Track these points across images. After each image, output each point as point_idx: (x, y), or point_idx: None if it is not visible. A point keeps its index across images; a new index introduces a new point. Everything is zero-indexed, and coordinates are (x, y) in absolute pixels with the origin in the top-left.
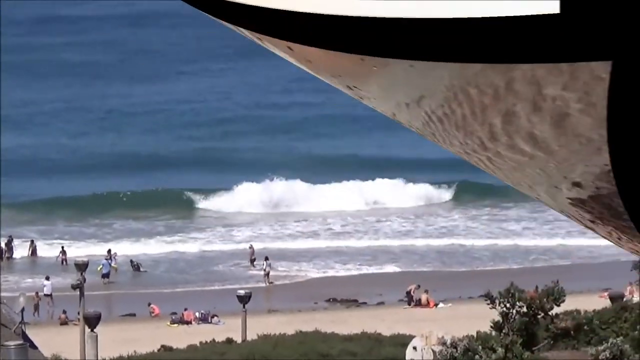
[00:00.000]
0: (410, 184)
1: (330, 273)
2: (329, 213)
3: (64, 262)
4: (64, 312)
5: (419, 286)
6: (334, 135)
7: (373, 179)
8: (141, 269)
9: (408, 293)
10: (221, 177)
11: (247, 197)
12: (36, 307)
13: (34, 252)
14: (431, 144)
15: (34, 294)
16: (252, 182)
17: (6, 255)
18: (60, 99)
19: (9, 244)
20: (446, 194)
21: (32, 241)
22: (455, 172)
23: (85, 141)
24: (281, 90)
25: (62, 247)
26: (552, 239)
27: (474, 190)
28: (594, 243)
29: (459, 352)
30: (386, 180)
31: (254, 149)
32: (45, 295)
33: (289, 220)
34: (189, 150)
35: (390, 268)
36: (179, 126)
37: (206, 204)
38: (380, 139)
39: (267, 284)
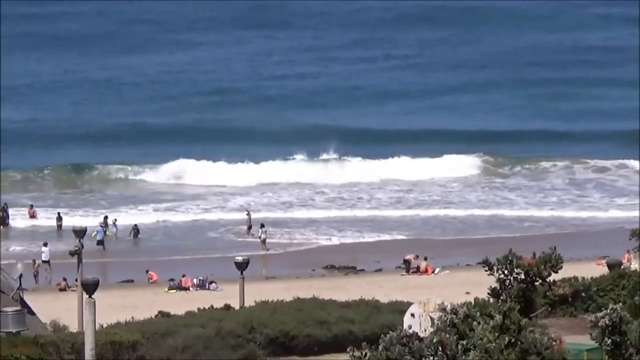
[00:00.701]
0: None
1: (327, 241)
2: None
3: (60, 228)
4: (64, 279)
5: (417, 256)
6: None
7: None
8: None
9: (406, 262)
10: (217, 148)
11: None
12: (35, 275)
13: (33, 215)
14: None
15: (31, 260)
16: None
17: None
18: (57, 69)
19: (4, 210)
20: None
21: (32, 205)
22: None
23: (82, 110)
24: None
25: (59, 214)
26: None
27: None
28: (589, 214)
29: (458, 318)
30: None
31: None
32: (43, 261)
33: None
34: (189, 120)
35: (387, 236)
36: (178, 96)
37: (199, 176)
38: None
39: (265, 251)
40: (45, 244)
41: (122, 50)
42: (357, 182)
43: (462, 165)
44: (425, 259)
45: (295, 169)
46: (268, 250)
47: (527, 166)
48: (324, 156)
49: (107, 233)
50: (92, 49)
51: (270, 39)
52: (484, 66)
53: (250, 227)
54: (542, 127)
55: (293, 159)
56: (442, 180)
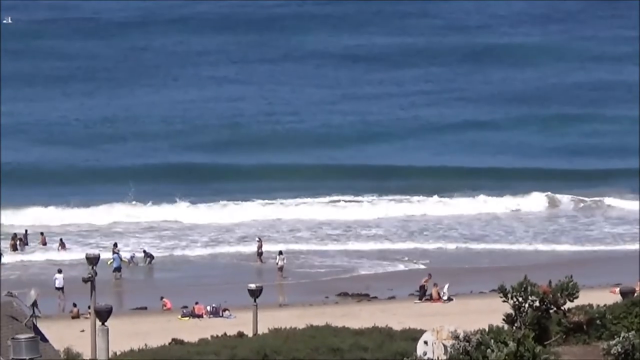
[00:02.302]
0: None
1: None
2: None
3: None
4: (74, 305)
5: (430, 276)
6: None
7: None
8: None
9: (421, 288)
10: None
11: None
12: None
13: (44, 242)
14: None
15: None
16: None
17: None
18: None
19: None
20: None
21: (42, 233)
22: None
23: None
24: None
25: (61, 240)
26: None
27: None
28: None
29: (471, 345)
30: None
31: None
32: (56, 288)
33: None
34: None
35: (400, 266)
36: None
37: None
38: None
39: (282, 278)
40: (59, 271)
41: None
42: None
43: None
44: (435, 285)
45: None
46: (285, 277)
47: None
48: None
49: (123, 260)
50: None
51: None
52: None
53: (261, 254)
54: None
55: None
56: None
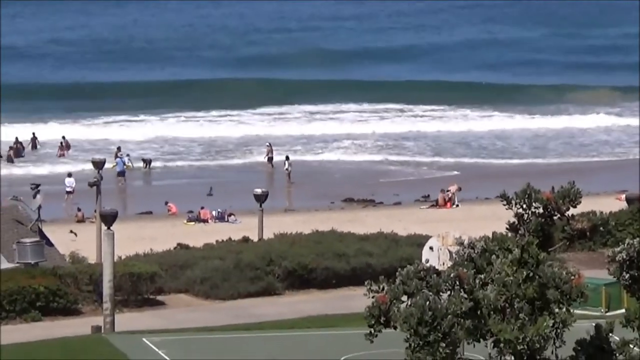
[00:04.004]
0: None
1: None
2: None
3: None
4: (79, 209)
5: (460, 189)
6: None
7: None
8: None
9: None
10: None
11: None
12: None
13: (34, 145)
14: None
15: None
16: None
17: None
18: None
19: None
20: None
21: (33, 133)
22: None
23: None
24: None
25: (63, 137)
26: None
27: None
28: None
29: (476, 252)
30: None
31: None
32: (67, 192)
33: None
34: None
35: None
36: None
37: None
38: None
39: (289, 183)
40: (69, 175)
41: None
42: None
43: None
44: (442, 191)
45: None
46: (293, 182)
47: None
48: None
49: (127, 164)
50: None
51: None
52: None
53: (270, 159)
54: None
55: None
56: None
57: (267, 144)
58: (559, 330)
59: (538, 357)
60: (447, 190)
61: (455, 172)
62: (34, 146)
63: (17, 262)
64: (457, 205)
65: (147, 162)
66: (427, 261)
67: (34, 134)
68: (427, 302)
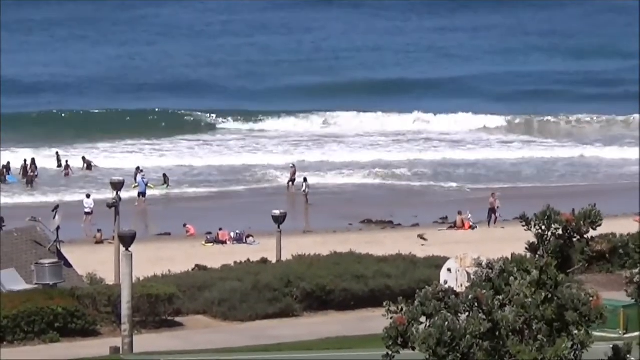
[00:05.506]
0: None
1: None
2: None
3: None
4: (99, 230)
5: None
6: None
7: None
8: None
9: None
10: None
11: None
12: None
13: (89, 166)
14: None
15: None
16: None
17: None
18: None
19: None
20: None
21: (84, 157)
22: None
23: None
24: None
25: (83, 158)
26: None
27: None
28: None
29: (494, 273)
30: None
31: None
32: (85, 213)
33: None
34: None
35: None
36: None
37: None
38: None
39: (307, 204)
40: (88, 196)
41: None
42: None
43: None
44: (460, 213)
45: None
46: (310, 204)
47: None
48: None
49: (150, 185)
50: None
51: None
52: None
53: (293, 181)
54: None
55: None
56: None
57: (292, 164)
58: (577, 352)
59: None
60: (493, 199)
61: (467, 189)
62: (89, 167)
63: (36, 283)
64: (475, 227)
65: (166, 178)
66: (446, 282)
67: (67, 161)
68: (446, 323)
